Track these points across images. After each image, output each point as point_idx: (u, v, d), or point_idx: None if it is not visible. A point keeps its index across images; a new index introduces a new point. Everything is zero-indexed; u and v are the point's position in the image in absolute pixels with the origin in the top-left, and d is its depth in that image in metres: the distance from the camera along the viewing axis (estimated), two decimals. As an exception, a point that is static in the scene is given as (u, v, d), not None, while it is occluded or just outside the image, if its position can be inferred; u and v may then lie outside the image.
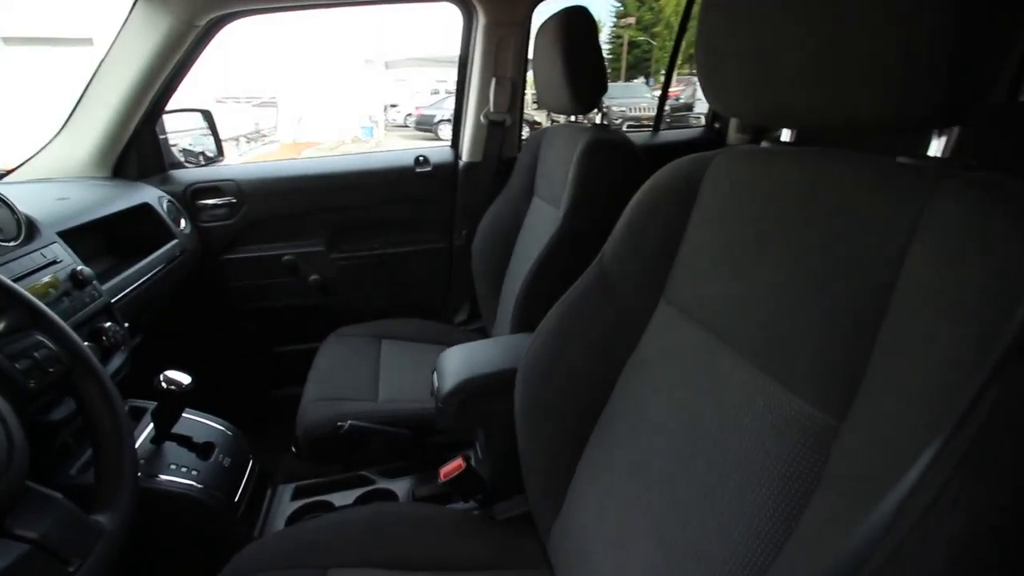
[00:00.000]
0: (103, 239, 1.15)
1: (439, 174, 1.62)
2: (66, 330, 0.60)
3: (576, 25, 1.04)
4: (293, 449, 1.24)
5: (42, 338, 0.57)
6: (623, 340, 0.68)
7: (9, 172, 1.24)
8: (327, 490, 1.08)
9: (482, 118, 1.53)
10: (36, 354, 0.56)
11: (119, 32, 1.24)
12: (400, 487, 1.08)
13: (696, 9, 1.78)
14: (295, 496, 1.07)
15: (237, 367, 1.61)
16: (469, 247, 1.59)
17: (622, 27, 22.28)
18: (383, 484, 1.09)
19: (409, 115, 13.45)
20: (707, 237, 0.60)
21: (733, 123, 1.75)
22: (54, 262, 0.82)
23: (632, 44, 22.32)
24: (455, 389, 0.87)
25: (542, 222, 1.21)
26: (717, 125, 1.83)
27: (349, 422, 1.02)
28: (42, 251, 0.81)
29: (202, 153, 1.76)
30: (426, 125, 12.11)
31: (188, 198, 1.46)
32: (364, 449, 1.13)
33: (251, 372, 1.63)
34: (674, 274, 0.64)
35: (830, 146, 0.50)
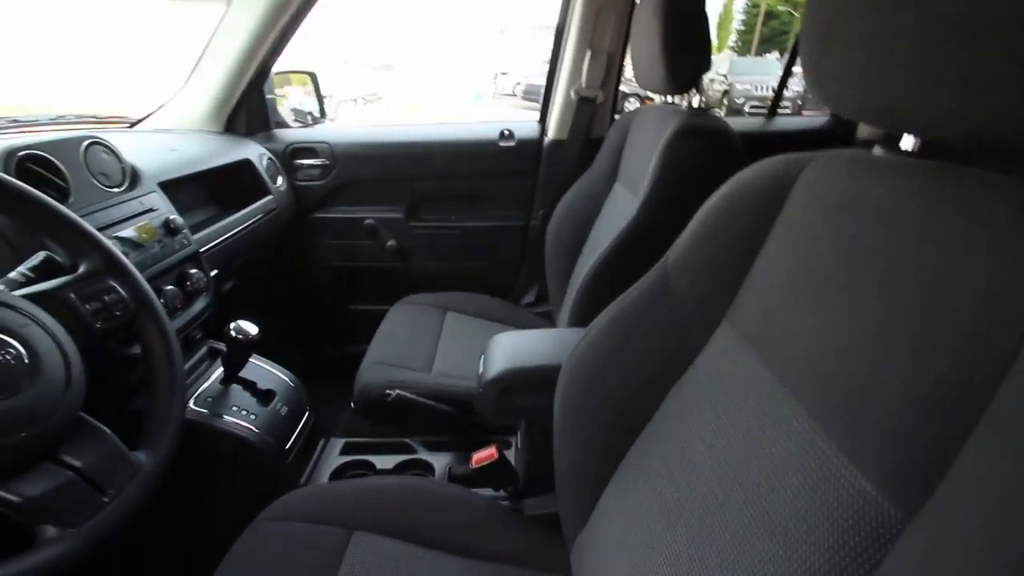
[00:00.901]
0: (205, 189, 1.25)
1: (523, 150, 1.57)
2: (137, 277, 0.65)
3: None
4: (352, 405, 1.31)
5: (114, 283, 0.62)
6: (677, 357, 0.61)
7: (138, 122, 1.38)
8: (372, 451, 1.12)
9: (572, 93, 1.45)
10: (106, 298, 0.61)
11: (236, -6, 1.31)
12: (438, 461, 1.09)
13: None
14: (344, 451, 1.13)
15: (313, 319, 1.72)
16: (545, 228, 1.54)
17: (759, -6, 20.18)
18: (423, 455, 1.11)
19: (518, 84, 13.37)
20: (787, 256, 0.50)
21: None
22: (150, 210, 0.90)
23: (769, 14, 20.19)
24: (496, 378, 0.85)
25: (620, 211, 1.13)
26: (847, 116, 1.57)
27: (397, 391, 1.04)
28: (141, 199, 0.89)
29: (309, 113, 1.87)
30: (534, 95, 11.98)
31: (287, 157, 1.55)
32: (410, 418, 1.16)
33: (325, 325, 1.73)
34: (742, 293, 0.55)
35: (964, 163, 0.38)
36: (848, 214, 0.44)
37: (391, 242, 1.63)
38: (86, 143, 0.84)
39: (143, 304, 0.65)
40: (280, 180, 1.49)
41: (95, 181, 0.83)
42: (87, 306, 0.59)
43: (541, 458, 0.93)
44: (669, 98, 1.15)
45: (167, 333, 0.65)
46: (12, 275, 0.62)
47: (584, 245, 1.30)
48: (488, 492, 0.97)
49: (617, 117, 1.48)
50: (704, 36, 0.96)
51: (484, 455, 0.88)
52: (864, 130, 1.55)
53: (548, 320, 1.49)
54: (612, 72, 1.43)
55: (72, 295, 0.58)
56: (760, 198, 0.54)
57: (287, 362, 1.11)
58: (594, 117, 1.47)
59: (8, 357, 0.47)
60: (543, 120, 1.60)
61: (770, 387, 0.46)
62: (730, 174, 0.95)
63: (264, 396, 1.00)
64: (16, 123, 1.11)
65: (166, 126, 1.40)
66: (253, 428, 0.92)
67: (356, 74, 12.33)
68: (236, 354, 0.94)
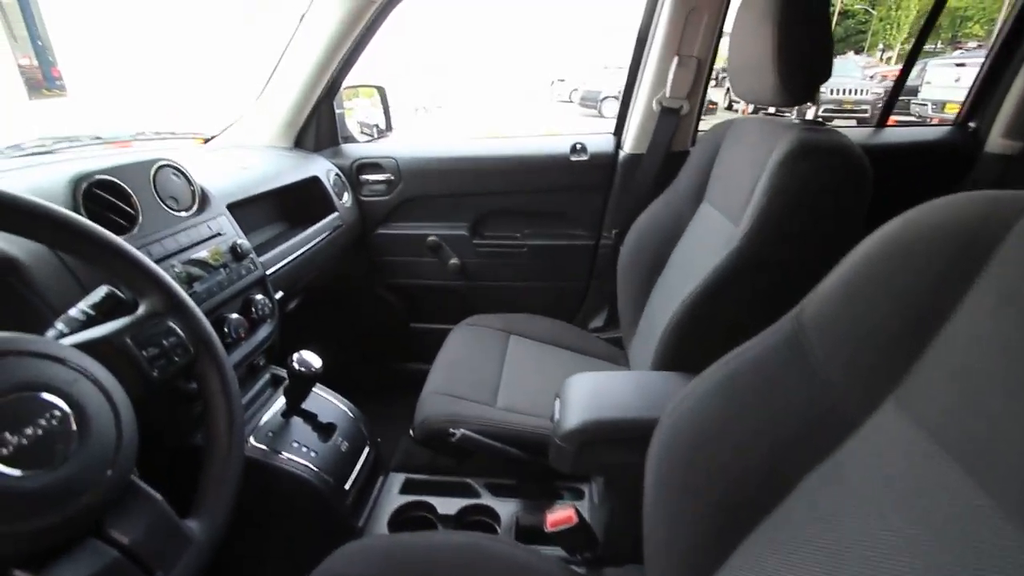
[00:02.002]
0: (273, 207, 1.23)
1: (596, 164, 1.46)
2: (200, 318, 0.60)
3: None
4: (411, 433, 1.25)
5: (174, 325, 0.57)
6: (817, 434, 0.49)
7: (212, 138, 1.39)
8: (433, 490, 1.04)
9: (655, 104, 1.33)
10: (165, 342, 0.56)
11: (308, 6, 1.29)
12: (504, 509, 1.00)
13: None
14: (403, 489, 1.06)
15: (372, 337, 1.68)
16: (618, 248, 1.42)
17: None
18: (487, 500, 1.02)
19: (574, 90, 13.23)
20: (998, 335, 0.37)
21: (1000, 122, 1.28)
22: (218, 234, 0.87)
23: (844, 14, 19.00)
24: (577, 429, 0.75)
25: (711, 236, 1.00)
26: (973, 124, 1.36)
27: (462, 431, 0.96)
28: (209, 223, 0.86)
29: (375, 126, 1.85)
30: (590, 101, 11.83)
31: (353, 172, 1.52)
32: (474, 456, 1.08)
33: (385, 343, 1.69)
34: (921, 369, 0.42)
35: None
36: None
37: (454, 260, 1.56)
38: (156, 166, 0.81)
39: (205, 345, 0.59)
40: (346, 196, 1.46)
41: (164, 205, 0.80)
42: (144, 352, 0.54)
43: (624, 522, 0.81)
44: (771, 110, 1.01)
45: (229, 385, 0.60)
46: (72, 312, 0.58)
47: (664, 269, 1.17)
48: (559, 552, 0.87)
49: (703, 129, 1.35)
50: (827, 41, 0.82)
51: (561, 518, 0.78)
52: (995, 141, 1.33)
53: (619, 347, 1.37)
54: (700, 80, 1.29)
55: (128, 340, 0.53)
56: (952, 248, 0.41)
57: (345, 381, 1.06)
58: (677, 129, 1.34)
59: (53, 421, 0.42)
60: (618, 132, 1.49)
61: (972, 499, 0.34)
62: (860, 201, 0.80)
63: (325, 430, 0.95)
64: (99, 140, 1.12)
65: (238, 142, 1.40)
66: (312, 466, 0.87)
67: (419, 82, 12.60)
68: (298, 387, 0.89)
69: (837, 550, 0.43)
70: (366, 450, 1.00)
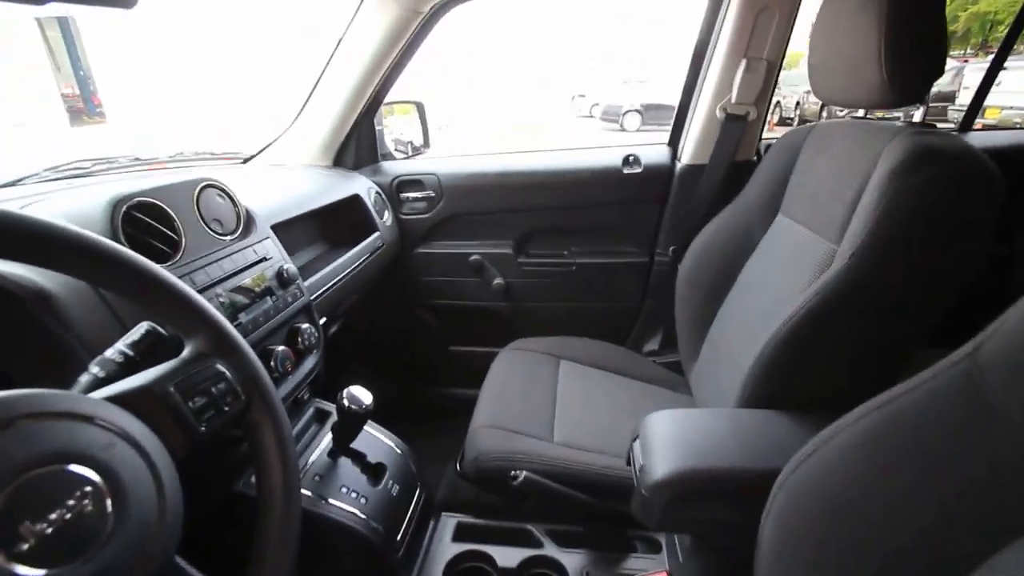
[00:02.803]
0: (314, 227, 1.17)
1: (650, 177, 1.37)
2: (253, 360, 0.52)
3: None
4: (457, 468, 1.16)
5: (223, 368, 0.49)
6: (1008, 501, 0.38)
7: (251, 158, 1.34)
8: (489, 538, 0.94)
9: (718, 111, 1.23)
10: (214, 389, 0.48)
11: (349, 23, 1.24)
12: (571, 562, 0.89)
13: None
14: (456, 535, 0.96)
15: (412, 360, 1.60)
16: (675, 265, 1.32)
17: None
18: (551, 551, 0.91)
19: (595, 104, 13.20)
20: None
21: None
22: (264, 259, 0.80)
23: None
24: (669, 480, 0.64)
25: (797, 254, 0.89)
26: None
27: (524, 474, 0.86)
28: (255, 247, 0.79)
29: (409, 142, 1.79)
30: (612, 115, 11.77)
31: (393, 190, 1.46)
32: (534, 500, 0.97)
33: (425, 367, 1.61)
34: None
35: None
36: None
37: (498, 280, 1.47)
38: (200, 186, 0.75)
39: (257, 392, 0.51)
40: (387, 215, 1.40)
41: (208, 229, 0.74)
42: (191, 403, 0.46)
43: None
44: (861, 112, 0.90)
45: (285, 440, 0.52)
46: (109, 353, 0.51)
47: (733, 288, 1.06)
48: None
49: (771, 136, 1.25)
50: (942, 33, 0.72)
51: (653, 584, 0.67)
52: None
53: (679, 372, 1.25)
54: (769, 84, 1.20)
55: (172, 389, 0.45)
56: None
57: (384, 409, 0.98)
58: (743, 137, 1.24)
59: (85, 500, 0.34)
60: (674, 143, 1.39)
61: None
62: (989, 213, 0.68)
63: (374, 471, 0.86)
64: (138, 161, 1.08)
65: (277, 161, 1.35)
66: (360, 514, 0.78)
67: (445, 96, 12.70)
68: (349, 425, 0.80)
69: None
70: (416, 492, 0.91)
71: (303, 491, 0.77)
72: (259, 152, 1.36)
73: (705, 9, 1.23)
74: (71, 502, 0.33)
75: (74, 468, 0.34)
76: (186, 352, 0.48)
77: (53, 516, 0.32)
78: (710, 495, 0.65)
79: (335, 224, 1.22)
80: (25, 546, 0.31)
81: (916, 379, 0.46)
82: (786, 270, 0.91)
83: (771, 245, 1.01)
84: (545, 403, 1.10)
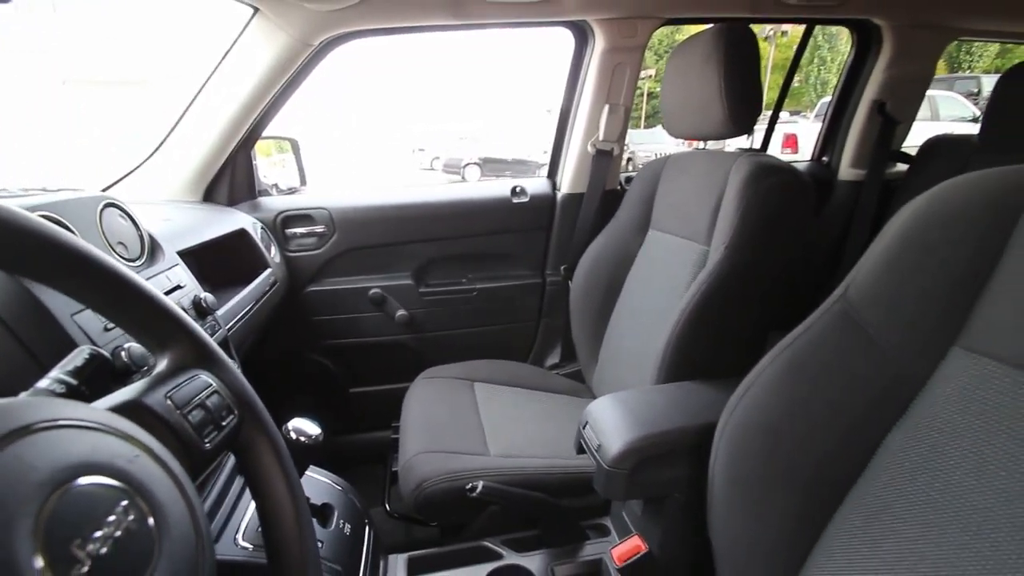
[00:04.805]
0: (205, 261, 1.04)
1: (536, 205, 1.51)
2: (235, 369, 0.47)
3: (738, 41, 0.94)
4: (386, 507, 1.09)
5: (210, 379, 0.44)
6: (888, 399, 0.53)
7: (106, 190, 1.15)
8: (447, 563, 0.91)
9: (590, 146, 1.43)
10: (208, 403, 0.42)
11: (227, 52, 1.18)
12: (534, 564, 0.90)
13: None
14: (412, 570, 0.90)
15: (314, 407, 1.46)
16: (566, 284, 1.46)
17: (641, 79, 22.96)
18: (513, 558, 0.91)
19: (436, 158, 13.73)
20: None
21: (847, 156, 1.63)
22: (178, 287, 0.70)
23: (650, 95, 22.95)
24: (629, 449, 0.72)
25: (674, 257, 1.08)
26: (826, 159, 1.71)
27: (482, 483, 0.86)
28: (167, 274, 0.70)
29: (275, 185, 1.69)
30: (453, 168, 12.35)
31: (278, 226, 1.37)
32: (479, 514, 0.97)
33: (328, 413, 1.48)
34: (981, 315, 0.49)
35: None
36: None
37: (401, 311, 1.46)
38: (102, 205, 0.64)
39: (247, 406, 0.46)
40: (274, 251, 1.30)
41: (114, 253, 0.63)
42: (189, 418, 0.40)
43: (682, 544, 0.79)
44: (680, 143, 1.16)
45: (280, 451, 0.47)
46: (43, 384, 0.42)
47: (620, 296, 1.23)
48: None
49: (631, 167, 1.49)
50: (759, 79, 0.98)
51: (628, 548, 0.73)
52: (845, 172, 1.68)
53: (581, 381, 1.38)
54: (625, 125, 1.44)
55: (170, 402, 0.39)
56: (984, 213, 0.50)
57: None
58: (609, 169, 1.46)
59: (130, 516, 0.29)
60: (552, 175, 1.57)
61: None
62: (809, 210, 0.94)
63: (322, 513, 0.78)
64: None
65: (135, 197, 1.17)
66: (324, 561, 0.70)
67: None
68: (298, 459, 0.72)
69: (923, 500, 0.47)
70: (367, 528, 0.84)
71: (245, 545, 0.67)
72: (110, 186, 1.17)
73: (569, 65, 1.45)
74: (112, 518, 0.28)
75: (105, 481, 0.29)
76: (163, 365, 0.42)
77: (100, 534, 0.27)
78: (665, 456, 0.74)
79: (222, 261, 1.10)
80: (85, 569, 0.25)
81: (807, 321, 0.61)
82: (666, 272, 1.09)
83: (648, 255, 1.19)
84: (472, 423, 1.12)
